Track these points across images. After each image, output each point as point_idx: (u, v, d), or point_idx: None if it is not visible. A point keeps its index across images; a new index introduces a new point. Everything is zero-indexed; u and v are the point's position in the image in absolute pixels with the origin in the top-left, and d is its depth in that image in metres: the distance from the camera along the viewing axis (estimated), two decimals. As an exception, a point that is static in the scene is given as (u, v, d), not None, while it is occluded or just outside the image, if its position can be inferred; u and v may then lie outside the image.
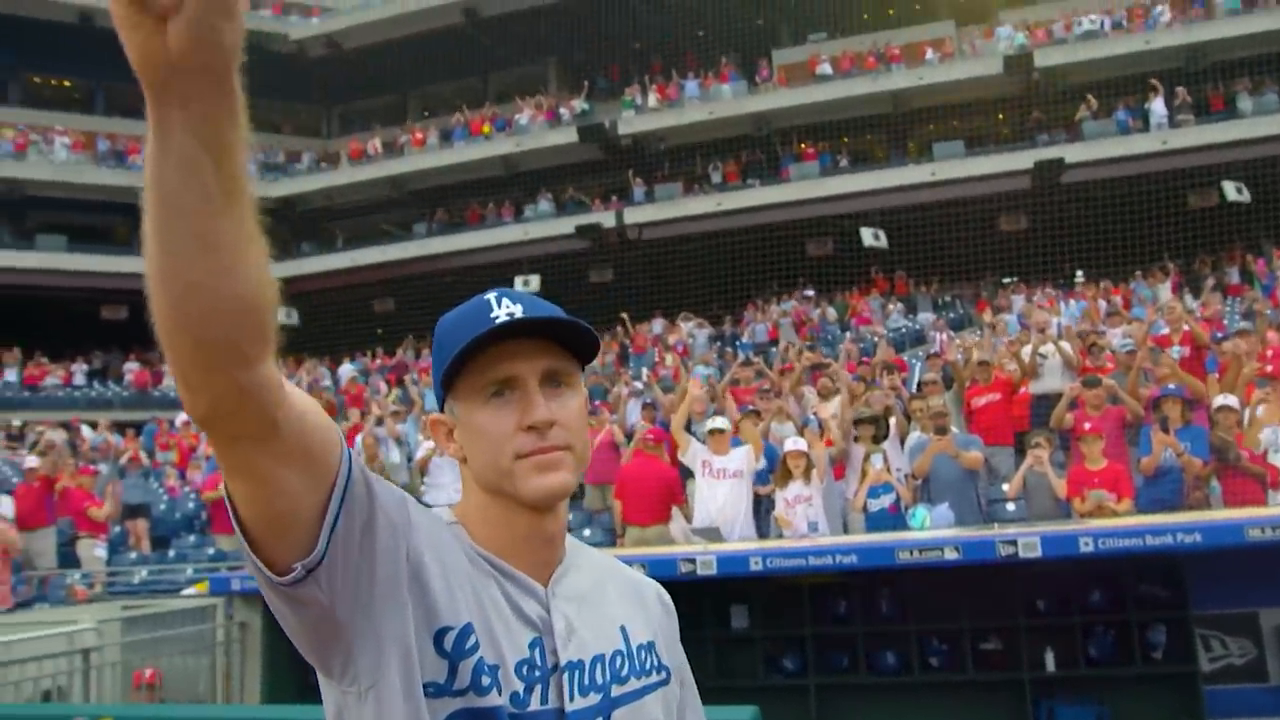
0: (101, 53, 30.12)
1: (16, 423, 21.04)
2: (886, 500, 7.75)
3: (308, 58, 31.92)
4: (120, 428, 19.85)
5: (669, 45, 30.57)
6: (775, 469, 8.28)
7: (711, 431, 8.26)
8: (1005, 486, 8.73)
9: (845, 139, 28.00)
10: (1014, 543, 5.26)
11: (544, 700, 1.21)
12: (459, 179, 29.91)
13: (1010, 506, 8.64)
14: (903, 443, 8.85)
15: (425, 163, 29.92)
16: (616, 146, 28.28)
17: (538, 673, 1.22)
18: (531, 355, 1.25)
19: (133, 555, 12.63)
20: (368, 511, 1.12)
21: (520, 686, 1.20)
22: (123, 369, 26.86)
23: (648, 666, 1.34)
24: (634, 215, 27.10)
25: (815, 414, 9.85)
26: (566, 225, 27.52)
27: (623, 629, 1.34)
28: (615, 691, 1.28)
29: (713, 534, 7.38)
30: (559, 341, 1.28)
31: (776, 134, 27.95)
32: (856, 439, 8.60)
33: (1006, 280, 23.54)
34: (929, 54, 26.53)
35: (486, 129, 29.78)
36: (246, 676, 7.41)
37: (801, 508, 7.69)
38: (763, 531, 8.28)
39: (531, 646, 1.23)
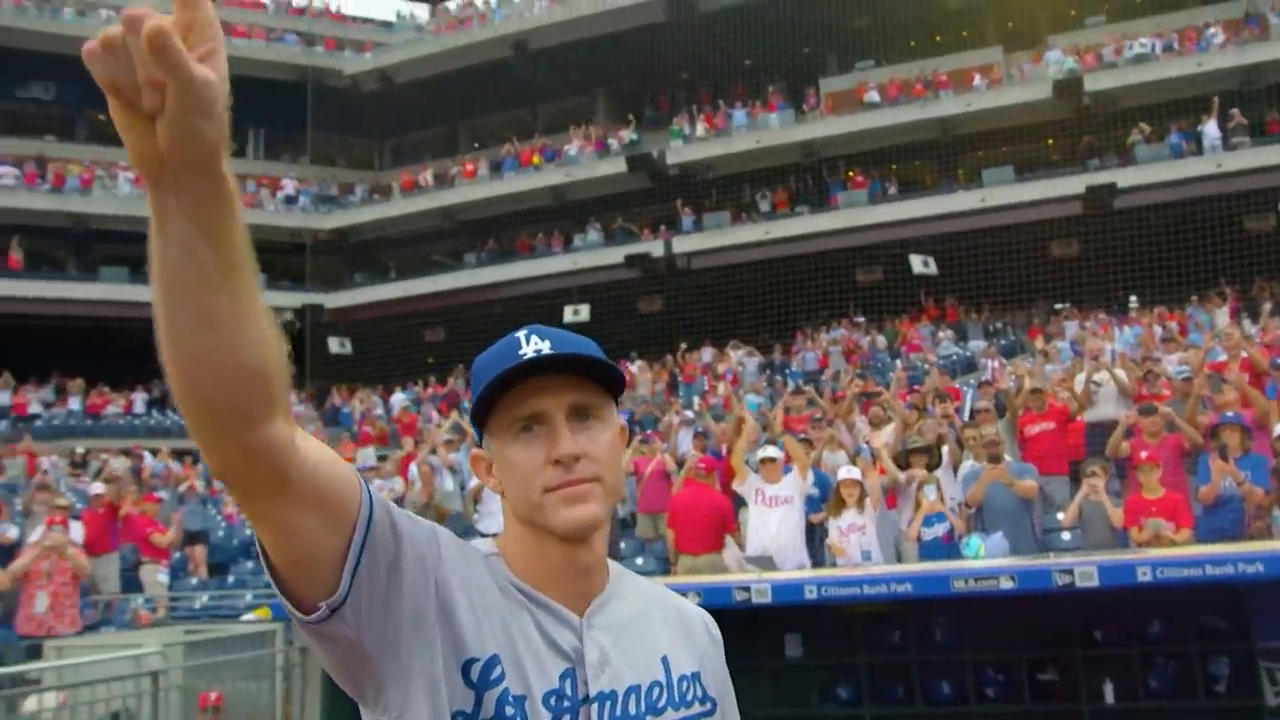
0: (162, 90, 31.14)
1: (80, 450, 21.52)
2: (940, 529, 7.73)
3: (361, 92, 32.55)
4: (179, 455, 20.26)
5: (716, 75, 30.79)
6: (829, 498, 8.31)
7: (764, 460, 8.30)
8: (1060, 516, 8.66)
9: (894, 166, 27.97)
10: (1070, 572, 5.25)
11: None
12: (509, 209, 30.26)
13: (1066, 536, 8.56)
14: (955, 471, 8.82)
15: (476, 193, 30.31)
16: (665, 176, 28.47)
17: (567, 703, 1.23)
18: (558, 391, 1.27)
19: (193, 581, 12.88)
20: (394, 551, 1.16)
21: (548, 717, 1.22)
22: (182, 398, 27.34)
23: (689, 698, 1.34)
24: (683, 244, 27.24)
25: (868, 443, 9.85)
26: (616, 255, 27.74)
27: (664, 659, 1.34)
28: None
29: (766, 562, 7.41)
30: (589, 376, 1.30)
31: (824, 162, 28.00)
32: (909, 468, 8.59)
33: (1059, 306, 23.30)
34: (977, 80, 26.46)
35: (536, 160, 30.14)
36: (307, 702, 7.53)
37: (855, 536, 7.70)
38: (816, 559, 8.29)
39: (563, 677, 1.24)
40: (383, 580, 1.16)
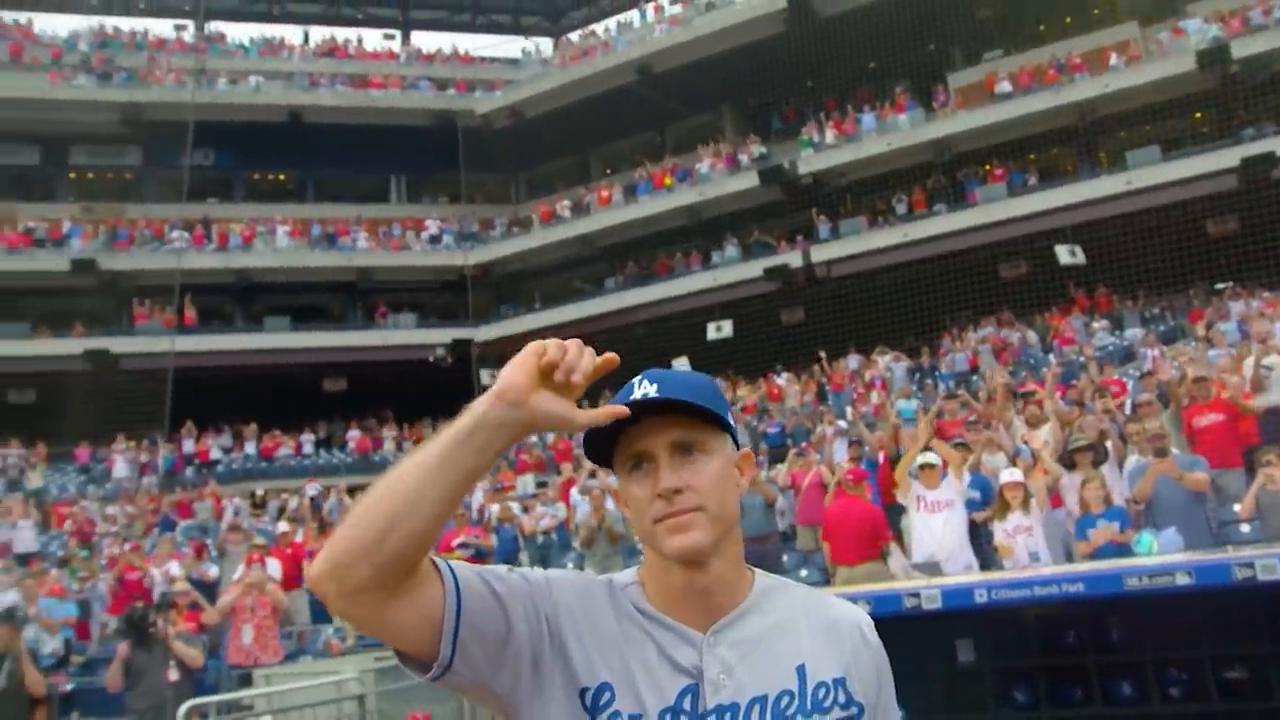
0: (310, 145, 32.85)
1: (260, 491, 22.83)
2: (1112, 529, 7.61)
3: (494, 129, 33.56)
4: (350, 491, 21.24)
5: (841, 80, 30.60)
6: (992, 501, 8.28)
7: (922, 466, 8.34)
8: (1236, 508, 8.40)
9: (1032, 156, 27.31)
10: (1251, 565, 5.15)
11: None
12: (645, 231, 30.75)
13: (1245, 529, 8.31)
14: (1121, 468, 8.66)
15: (612, 219, 30.86)
16: (797, 186, 28.46)
17: (684, 718, 1.35)
18: (660, 430, 1.39)
19: (377, 611, 13.53)
20: (502, 624, 1.34)
21: None
22: (345, 436, 28.70)
23: (827, 704, 1.40)
24: (821, 253, 27.17)
25: (1026, 443, 9.74)
26: (754, 269, 27.84)
27: (800, 668, 1.41)
28: None
29: (932, 568, 7.45)
30: (694, 413, 1.41)
31: (959, 158, 27.51)
32: (1074, 467, 8.47)
33: (1220, 286, 22.34)
34: (1113, 59, 25.59)
35: (668, 181, 30.51)
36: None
37: (1022, 538, 7.66)
38: (984, 560, 8.27)
39: (682, 694, 1.35)
40: (491, 645, 1.34)
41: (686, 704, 1.35)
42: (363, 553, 1.25)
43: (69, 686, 11.13)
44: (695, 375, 1.49)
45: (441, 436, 1.28)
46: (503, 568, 1.41)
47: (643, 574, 1.46)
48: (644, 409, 1.38)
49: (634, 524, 1.46)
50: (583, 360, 1.30)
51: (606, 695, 1.35)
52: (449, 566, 1.35)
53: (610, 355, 1.34)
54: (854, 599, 5.90)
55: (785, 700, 1.38)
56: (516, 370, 1.29)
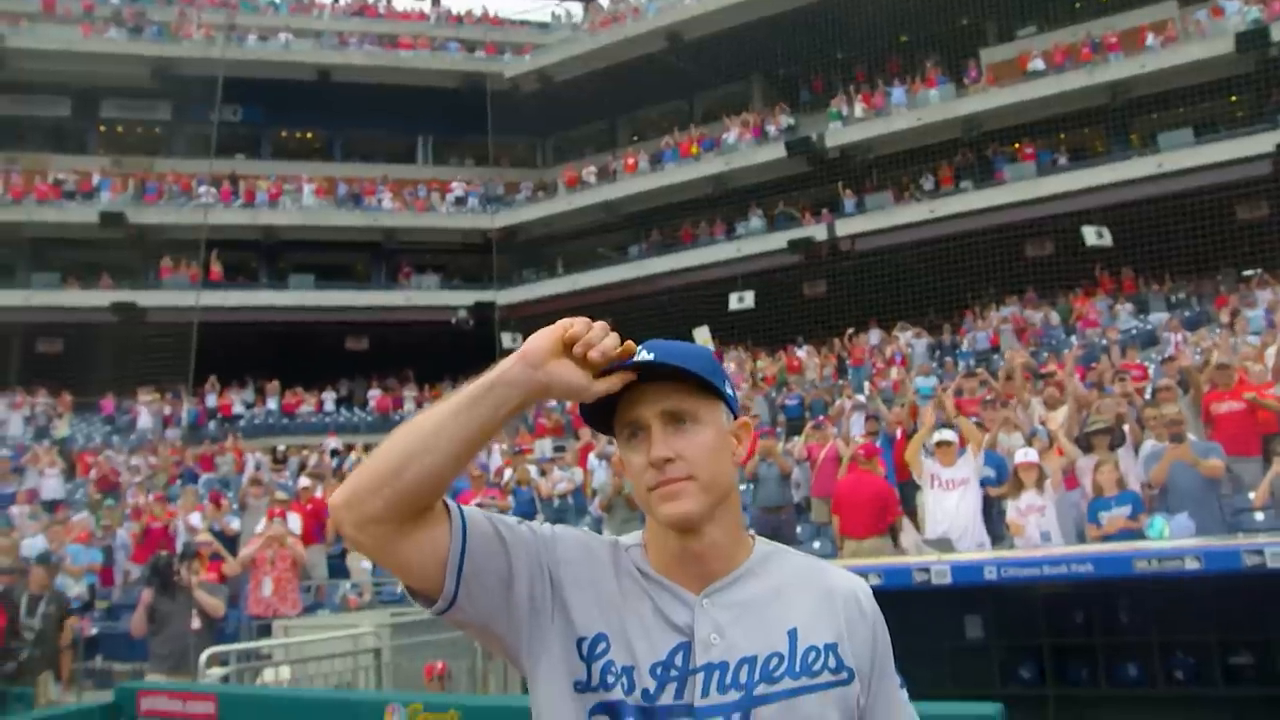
0: (338, 104, 32.89)
1: (281, 447, 23.11)
2: (1123, 513, 7.64)
3: (521, 93, 33.45)
4: (370, 449, 21.44)
5: (872, 53, 30.34)
6: (1006, 480, 8.33)
7: (939, 444, 8.39)
8: (1252, 495, 8.42)
9: (1062, 135, 27.02)
10: (1260, 552, 5.20)
11: (678, 696, 1.39)
12: (671, 200, 30.63)
13: (1259, 517, 8.34)
14: (1137, 452, 8.68)
15: (637, 186, 30.77)
16: (824, 159, 28.29)
17: (675, 673, 1.40)
18: (654, 399, 1.44)
19: (393, 569, 13.75)
20: (504, 566, 1.42)
21: (653, 684, 1.39)
22: (366, 395, 28.96)
23: (816, 668, 1.44)
24: (845, 227, 27.05)
25: (1043, 423, 9.77)
26: (778, 240, 27.75)
27: (792, 632, 1.45)
28: (760, 690, 1.40)
29: (944, 544, 7.52)
30: (689, 382, 1.45)
31: (988, 135, 27.26)
32: (1091, 450, 8.48)
33: (1248, 273, 22.15)
34: (1150, 39, 25.24)
35: (695, 150, 30.41)
36: (509, 680, 8.07)
37: (1034, 518, 7.72)
38: (995, 537, 8.33)
39: (675, 650, 1.41)
40: (495, 586, 1.42)
41: (678, 660, 1.41)
42: (379, 484, 1.33)
43: (93, 630, 11.41)
44: (692, 345, 1.52)
45: (464, 388, 1.37)
46: (512, 519, 1.48)
47: (646, 537, 1.52)
48: (640, 373, 1.43)
49: (634, 490, 1.51)
50: (606, 340, 1.38)
51: (602, 645, 1.42)
52: (459, 508, 1.43)
53: (629, 344, 1.42)
54: (864, 572, 5.98)
55: (774, 662, 1.42)
56: (542, 337, 1.38)
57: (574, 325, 1.39)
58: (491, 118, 32.12)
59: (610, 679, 1.40)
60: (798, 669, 1.43)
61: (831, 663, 1.45)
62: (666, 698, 1.39)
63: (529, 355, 1.37)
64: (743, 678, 1.41)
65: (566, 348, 1.38)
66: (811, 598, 1.50)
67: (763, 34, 29.60)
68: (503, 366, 1.38)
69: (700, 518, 1.44)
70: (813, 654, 1.44)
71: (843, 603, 1.51)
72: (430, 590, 1.41)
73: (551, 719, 1.44)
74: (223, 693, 4.90)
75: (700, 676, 1.40)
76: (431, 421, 1.36)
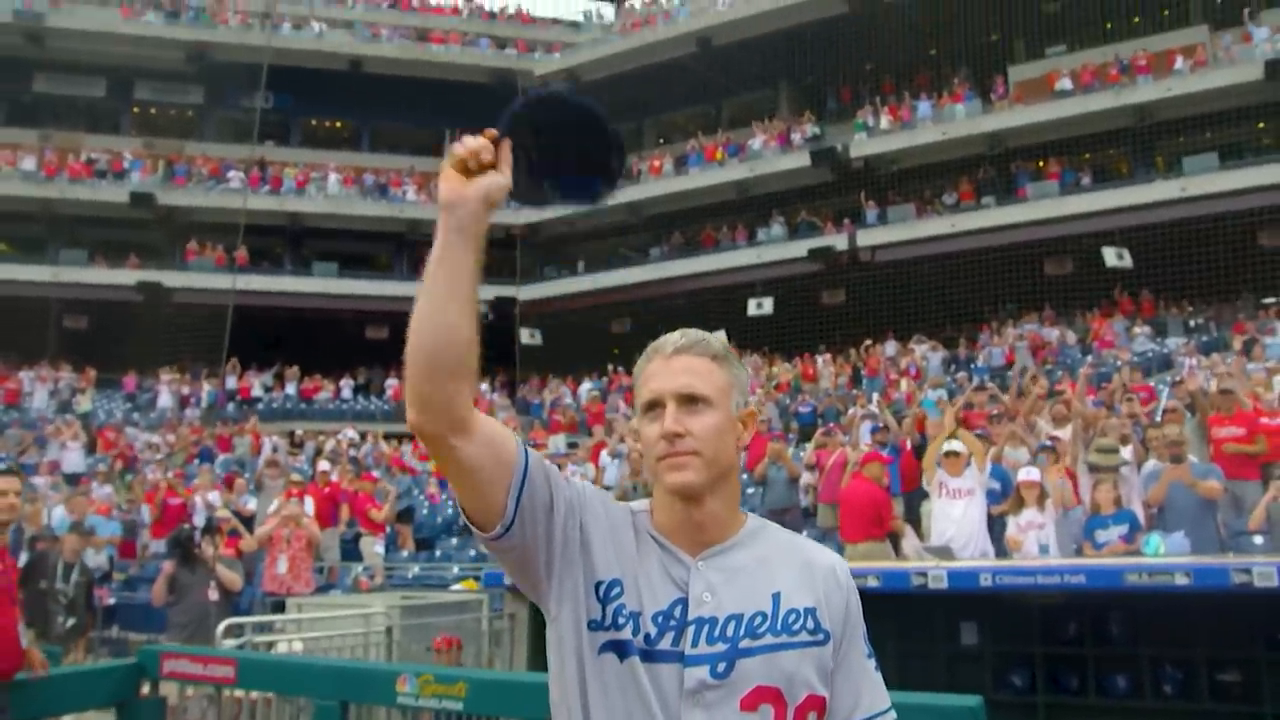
0: (368, 95, 33.20)
1: (299, 432, 23.38)
2: (1119, 531, 7.79)
3: (550, 91, 33.66)
4: (386, 438, 21.74)
5: (901, 65, 30.47)
6: (1009, 495, 8.48)
7: (947, 454, 8.55)
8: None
9: (1087, 155, 27.08)
10: (1248, 571, 5.35)
11: (674, 644, 1.56)
12: (694, 204, 30.86)
13: (1258, 540, 8.44)
14: (1140, 472, 8.81)
15: (661, 189, 30.99)
16: (848, 169, 28.45)
17: (673, 623, 1.57)
18: (673, 379, 1.64)
19: (404, 553, 14.01)
20: (547, 494, 1.59)
21: (654, 630, 1.57)
22: (384, 384, 29.24)
23: (795, 628, 1.61)
24: (867, 237, 27.20)
25: (1051, 439, 9.90)
26: (799, 248, 27.94)
27: (775, 595, 1.62)
28: (745, 644, 1.57)
29: (945, 552, 7.67)
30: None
31: (1012, 152, 27.34)
32: (1095, 468, 8.63)
33: (1268, 301, 22.18)
34: (1179, 62, 25.26)
35: (720, 155, 30.60)
36: (514, 666, 8.27)
37: (1034, 533, 7.87)
38: (998, 550, 8.48)
39: (674, 604, 1.59)
40: (542, 511, 1.59)
41: (676, 612, 1.59)
42: (423, 369, 1.50)
43: (111, 601, 11.68)
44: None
45: (432, 265, 1.52)
46: (553, 467, 1.68)
47: (653, 504, 1.71)
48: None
49: (646, 460, 1.70)
50: (478, 142, 1.54)
51: (616, 589, 1.60)
52: (523, 444, 1.61)
53: (490, 131, 1.56)
54: (863, 574, 6.18)
55: (758, 620, 1.60)
56: (446, 184, 1.54)
57: (454, 157, 1.54)
58: (520, 115, 32.27)
59: (621, 620, 1.58)
60: (779, 627, 1.60)
61: (810, 625, 1.62)
62: (664, 643, 1.57)
63: (449, 204, 1.52)
64: (729, 632, 1.58)
65: (467, 172, 1.53)
66: (794, 568, 1.67)
67: (792, 42, 29.78)
68: (440, 228, 1.53)
69: (701, 488, 1.62)
70: (793, 615, 1.62)
71: (822, 575, 1.68)
72: (489, 515, 1.58)
73: (568, 653, 1.62)
74: (242, 658, 5.12)
75: (692, 629, 1.58)
76: (426, 302, 1.51)
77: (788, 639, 1.61)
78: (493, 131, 1.56)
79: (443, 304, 1.50)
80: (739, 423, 1.70)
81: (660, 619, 1.59)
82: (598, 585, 1.61)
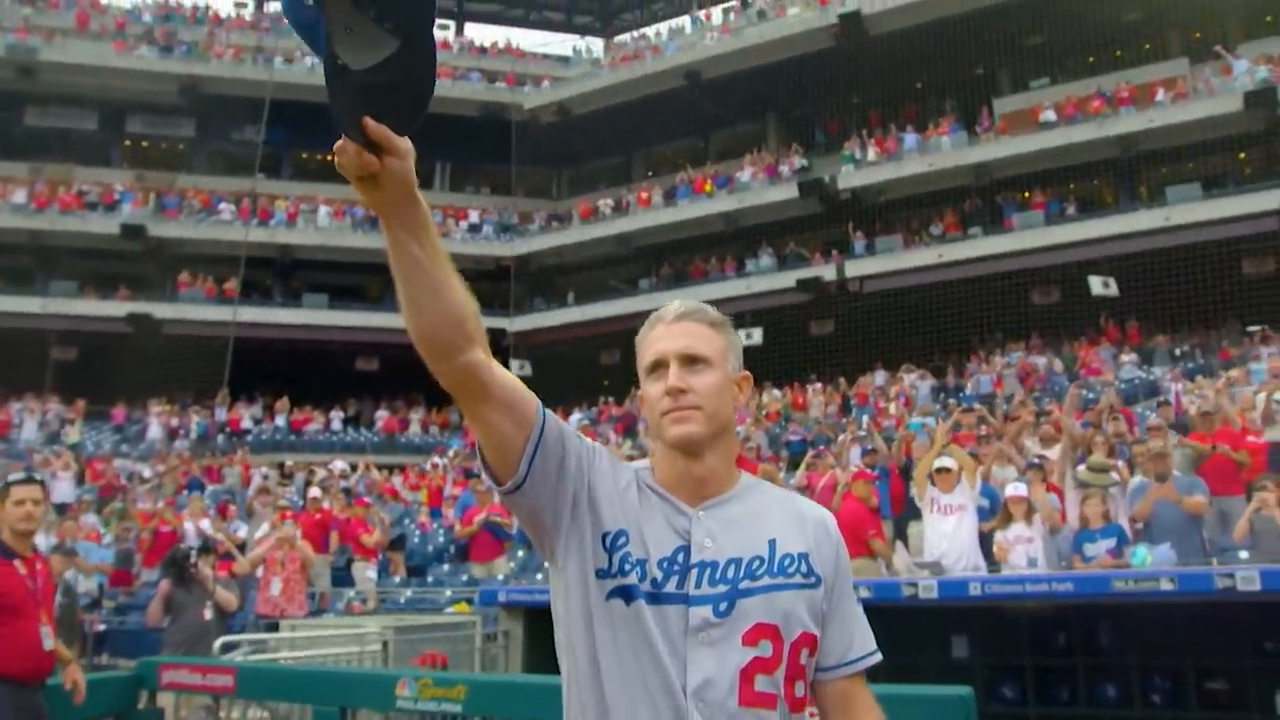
0: (360, 128, 33.38)
1: (289, 463, 23.30)
2: (1106, 544, 7.87)
3: (539, 124, 33.92)
4: (378, 468, 21.67)
5: (887, 98, 30.85)
6: (997, 512, 8.56)
7: (939, 470, 8.64)
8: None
9: (1071, 186, 27.39)
10: (1231, 575, 5.45)
11: (679, 586, 1.68)
12: (683, 235, 31.05)
13: (1244, 555, 8.53)
14: (1125, 489, 8.91)
15: (650, 220, 31.22)
16: (836, 200, 28.68)
17: (676, 568, 1.69)
18: (676, 340, 1.78)
19: (396, 579, 13.99)
20: (560, 451, 1.69)
21: (659, 575, 1.69)
22: (374, 416, 29.20)
23: (790, 570, 1.73)
24: (855, 268, 27.40)
25: (1038, 457, 10.00)
26: (787, 279, 28.11)
27: (771, 541, 1.75)
28: (744, 585, 1.70)
29: (935, 567, 7.74)
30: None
31: (998, 183, 27.62)
32: (1081, 485, 8.73)
33: (1251, 329, 22.38)
34: (1160, 94, 25.64)
35: (709, 187, 30.82)
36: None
37: (1022, 547, 7.95)
38: (991, 566, 8.55)
39: (677, 550, 1.71)
40: (554, 471, 1.69)
41: (679, 558, 1.71)
42: (425, 354, 1.58)
43: (101, 627, 11.64)
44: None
45: (394, 268, 1.55)
46: (569, 427, 1.78)
47: (654, 461, 1.84)
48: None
49: (648, 416, 1.83)
50: (356, 160, 1.45)
51: (622, 539, 1.72)
52: (541, 406, 1.70)
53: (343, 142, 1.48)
54: (855, 586, 6.24)
55: (756, 563, 1.73)
56: (365, 196, 1.50)
57: (351, 175, 1.47)
58: (508, 147, 32.55)
59: (627, 567, 1.70)
60: (775, 570, 1.74)
61: (803, 568, 1.76)
62: (670, 587, 1.69)
63: (380, 213, 1.51)
64: (730, 574, 1.71)
65: (371, 179, 1.46)
66: (787, 518, 1.81)
67: (780, 75, 30.07)
68: (384, 232, 1.52)
69: (702, 440, 1.75)
70: (788, 559, 1.75)
71: (813, 525, 1.83)
72: (504, 471, 1.68)
73: (575, 601, 1.73)
74: (241, 667, 5.16)
75: (695, 572, 1.70)
76: (405, 300, 1.55)
77: (784, 580, 1.73)
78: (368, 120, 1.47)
79: (418, 296, 1.56)
80: (735, 385, 1.84)
81: (665, 564, 1.71)
82: (604, 536, 1.72)
